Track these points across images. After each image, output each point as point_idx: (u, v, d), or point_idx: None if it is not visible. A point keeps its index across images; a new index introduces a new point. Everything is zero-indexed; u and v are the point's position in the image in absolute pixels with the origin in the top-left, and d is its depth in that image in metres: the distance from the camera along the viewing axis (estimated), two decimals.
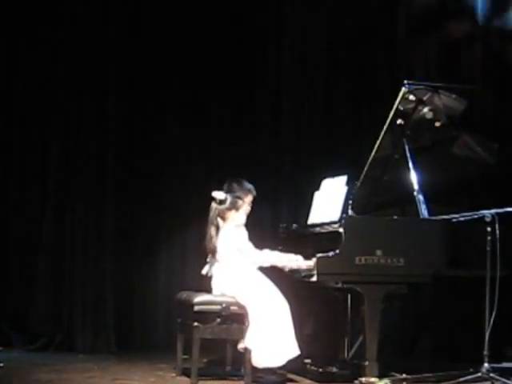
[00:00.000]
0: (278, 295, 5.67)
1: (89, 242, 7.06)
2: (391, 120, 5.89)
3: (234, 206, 5.85)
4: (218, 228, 5.85)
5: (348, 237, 5.55)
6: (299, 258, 5.85)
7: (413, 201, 5.85)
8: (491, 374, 5.51)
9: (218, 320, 5.65)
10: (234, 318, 5.66)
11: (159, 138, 7.47)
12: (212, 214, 5.85)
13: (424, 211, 5.78)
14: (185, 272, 7.31)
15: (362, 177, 6.05)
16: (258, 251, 5.87)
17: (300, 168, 7.54)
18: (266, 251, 5.89)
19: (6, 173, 7.16)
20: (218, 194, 5.86)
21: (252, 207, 5.94)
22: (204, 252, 5.91)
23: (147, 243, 7.40)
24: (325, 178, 6.40)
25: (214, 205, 5.86)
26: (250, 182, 5.97)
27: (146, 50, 7.42)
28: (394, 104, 5.86)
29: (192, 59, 7.49)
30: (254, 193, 5.96)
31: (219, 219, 5.86)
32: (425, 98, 5.96)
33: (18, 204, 7.16)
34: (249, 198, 5.93)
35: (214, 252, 5.83)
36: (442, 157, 6.24)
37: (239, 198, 5.86)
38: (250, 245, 5.87)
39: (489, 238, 5.58)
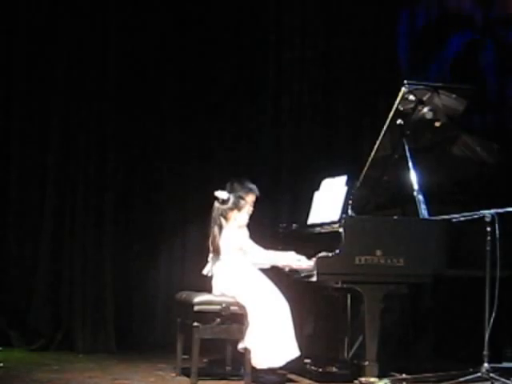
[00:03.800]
0: (277, 295, 5.67)
1: (88, 241, 7.05)
2: (391, 120, 5.89)
3: (237, 206, 5.86)
4: (221, 227, 5.85)
5: (348, 237, 5.55)
6: (302, 257, 5.85)
7: (413, 201, 5.85)
8: (491, 374, 5.51)
9: (218, 320, 5.65)
10: (234, 318, 5.66)
11: (159, 138, 7.48)
12: (215, 213, 5.85)
13: (424, 211, 5.78)
14: (185, 272, 7.31)
15: (361, 177, 6.05)
16: (260, 249, 5.89)
17: (300, 168, 7.54)
18: (268, 251, 5.91)
19: (6, 172, 7.16)
20: (221, 194, 5.86)
21: (254, 207, 5.95)
22: (205, 251, 5.91)
23: (147, 243, 7.40)
24: (325, 178, 6.40)
25: (216, 204, 5.86)
26: (251, 182, 5.98)
27: (148, 51, 7.42)
28: (393, 104, 5.86)
29: (193, 59, 7.50)
30: (257, 192, 5.96)
31: (222, 219, 5.86)
32: (425, 98, 5.96)
33: (18, 204, 7.15)
34: (251, 198, 5.93)
35: (217, 251, 5.83)
36: (441, 157, 6.24)
37: (241, 198, 5.87)
38: (252, 243, 5.88)
39: (489, 238, 5.58)
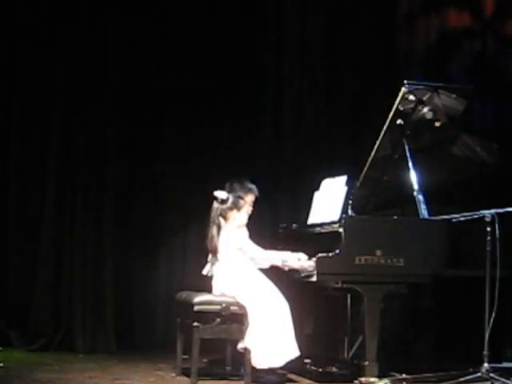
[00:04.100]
0: (277, 295, 5.67)
1: (88, 242, 7.05)
2: (391, 120, 5.89)
3: (236, 206, 5.85)
4: (219, 227, 5.85)
5: (348, 237, 5.55)
6: (301, 255, 5.85)
7: (413, 201, 5.85)
8: (491, 374, 5.51)
9: (218, 320, 5.65)
10: (234, 318, 5.66)
11: (159, 138, 7.47)
12: (214, 213, 5.85)
13: (424, 211, 5.78)
14: (185, 272, 7.31)
15: (361, 177, 6.05)
16: (259, 249, 5.88)
17: (300, 168, 7.54)
18: (267, 251, 5.91)
19: (6, 172, 7.16)
20: (220, 194, 5.86)
21: (254, 207, 5.95)
22: (205, 252, 5.91)
23: (147, 243, 7.40)
24: (325, 178, 6.40)
25: (215, 204, 5.86)
26: (251, 182, 5.98)
27: (148, 50, 7.43)
28: (393, 104, 5.86)
29: (193, 59, 7.50)
30: (256, 193, 5.97)
31: (221, 219, 5.86)
32: (425, 98, 5.96)
33: (17, 204, 7.15)
34: (250, 198, 5.93)
35: (215, 251, 5.83)
36: (441, 157, 6.24)
37: (240, 197, 5.87)
38: (251, 243, 5.88)
39: (489, 238, 5.58)
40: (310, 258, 5.73)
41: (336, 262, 5.54)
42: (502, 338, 6.51)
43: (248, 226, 5.93)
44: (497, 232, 5.56)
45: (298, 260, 5.85)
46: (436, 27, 7.66)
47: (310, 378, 5.93)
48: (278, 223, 6.80)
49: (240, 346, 5.68)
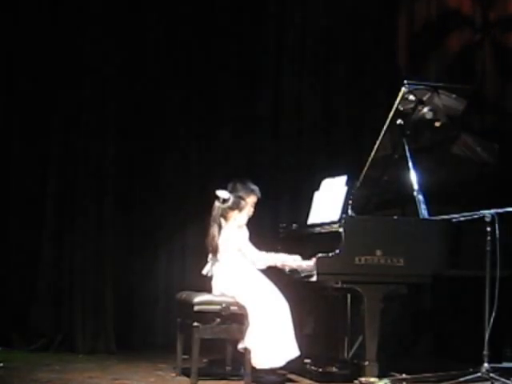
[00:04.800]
0: (277, 295, 5.67)
1: (89, 242, 7.05)
2: (391, 120, 5.89)
3: (238, 206, 5.85)
4: (220, 227, 5.85)
5: (348, 237, 5.55)
6: (297, 258, 5.85)
7: (413, 201, 5.85)
8: (491, 374, 5.51)
9: (218, 320, 5.65)
10: (234, 318, 5.66)
11: (159, 137, 7.47)
12: (215, 212, 5.85)
13: (424, 211, 5.78)
14: (185, 272, 7.31)
15: (361, 177, 6.05)
16: (258, 252, 5.88)
17: (300, 168, 7.54)
18: (264, 253, 5.91)
19: (6, 174, 7.16)
20: (222, 193, 5.86)
21: (255, 209, 5.95)
22: (205, 251, 5.91)
23: (147, 243, 7.40)
24: (325, 178, 6.40)
25: (217, 204, 5.86)
26: (253, 184, 5.98)
27: (148, 50, 7.43)
28: (393, 104, 5.86)
29: (193, 60, 7.51)
30: (258, 194, 5.96)
31: (221, 218, 5.86)
32: (425, 98, 5.96)
33: (18, 205, 7.15)
34: (252, 199, 5.93)
35: (215, 251, 5.83)
36: (441, 157, 6.24)
37: (242, 198, 5.87)
38: (251, 245, 5.88)
39: (489, 238, 5.58)
40: (309, 258, 5.73)
41: (336, 262, 5.54)
42: (502, 337, 6.50)
43: (248, 226, 5.93)
44: (497, 232, 5.56)
45: (294, 260, 5.86)
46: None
47: (310, 378, 5.93)
48: (277, 223, 6.79)
49: (240, 346, 5.68)
